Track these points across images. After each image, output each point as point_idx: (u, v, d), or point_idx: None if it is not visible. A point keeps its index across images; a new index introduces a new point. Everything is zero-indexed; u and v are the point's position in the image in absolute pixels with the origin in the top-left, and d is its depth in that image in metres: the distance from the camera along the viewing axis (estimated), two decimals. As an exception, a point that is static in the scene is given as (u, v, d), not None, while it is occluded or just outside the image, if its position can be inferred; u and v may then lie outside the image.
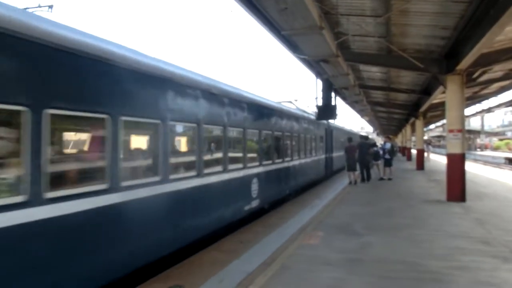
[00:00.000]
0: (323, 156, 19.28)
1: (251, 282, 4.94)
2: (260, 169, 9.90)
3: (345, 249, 6.36)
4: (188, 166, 6.73)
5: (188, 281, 5.32)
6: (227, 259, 6.13)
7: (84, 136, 5.09)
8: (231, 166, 8.17)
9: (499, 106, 24.59)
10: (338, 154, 23.17)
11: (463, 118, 11.55)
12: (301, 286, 4.80)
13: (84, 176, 4.62)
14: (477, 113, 30.69)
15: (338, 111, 14.66)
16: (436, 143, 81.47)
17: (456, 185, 11.08)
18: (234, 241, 7.54)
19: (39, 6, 13.91)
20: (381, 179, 17.49)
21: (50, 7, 13.96)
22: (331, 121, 21.16)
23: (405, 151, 37.47)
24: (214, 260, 6.21)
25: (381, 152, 18.76)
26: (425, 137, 49.46)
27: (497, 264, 5.47)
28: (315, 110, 15.05)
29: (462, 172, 11.11)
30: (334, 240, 6.92)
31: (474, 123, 72.38)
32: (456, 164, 11.13)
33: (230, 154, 8.18)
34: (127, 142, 5.37)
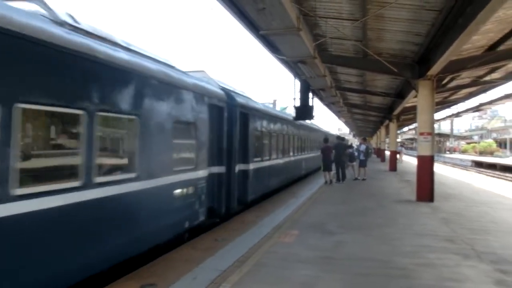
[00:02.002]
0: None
1: (224, 279, 4.99)
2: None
3: (319, 247, 6.50)
4: None
5: (162, 279, 5.30)
6: (202, 256, 6.15)
7: None
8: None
9: (466, 111, 25.58)
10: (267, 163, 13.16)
11: (433, 122, 11.99)
12: (274, 283, 4.89)
13: None
14: (446, 117, 31.82)
15: (315, 112, 14.86)
16: (409, 145, 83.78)
17: (425, 186, 11.50)
18: (209, 239, 7.56)
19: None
20: (356, 179, 17.90)
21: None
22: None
23: (380, 152, 38.36)
24: (189, 258, 6.21)
25: (356, 153, 19.21)
26: (399, 139, 50.85)
27: (459, 261, 5.75)
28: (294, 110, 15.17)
29: (431, 173, 11.53)
30: (308, 239, 7.06)
31: (444, 127, 75.03)
32: (426, 165, 11.55)
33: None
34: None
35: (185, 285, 4.99)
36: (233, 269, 5.40)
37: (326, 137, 19.75)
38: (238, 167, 10.09)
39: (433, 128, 11.88)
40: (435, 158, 12.67)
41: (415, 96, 12.46)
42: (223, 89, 9.73)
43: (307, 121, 21.60)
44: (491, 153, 56.23)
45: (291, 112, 17.73)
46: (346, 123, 47.43)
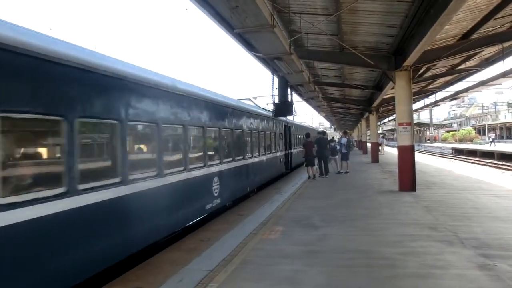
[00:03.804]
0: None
1: (211, 279, 4.95)
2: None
3: (304, 241, 6.53)
4: None
5: (148, 282, 5.23)
6: (188, 258, 6.09)
7: None
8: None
9: (444, 99, 26.08)
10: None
11: (411, 112, 12.18)
12: (260, 279, 4.88)
13: None
14: (425, 106, 32.37)
15: (295, 108, 14.95)
16: (390, 136, 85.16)
17: (407, 175, 11.69)
18: (195, 239, 7.49)
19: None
20: (339, 172, 18.06)
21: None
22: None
23: (361, 145, 38.83)
24: (174, 260, 6.13)
25: (338, 147, 19.35)
26: (380, 131, 51.60)
27: (442, 248, 5.85)
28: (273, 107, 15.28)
29: (412, 163, 11.72)
30: (293, 234, 7.08)
31: (423, 116, 76.50)
32: (407, 155, 11.73)
33: None
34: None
35: (171, 287, 4.94)
36: (219, 268, 5.37)
37: (307, 132, 19.92)
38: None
39: (412, 118, 12.07)
40: (416, 147, 12.89)
41: (393, 88, 12.63)
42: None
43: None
44: (471, 140, 57.70)
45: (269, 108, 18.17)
46: (326, 117, 47.85)
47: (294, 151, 22.89)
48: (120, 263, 5.68)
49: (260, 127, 14.57)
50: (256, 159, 13.63)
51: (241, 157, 11.73)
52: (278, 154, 17.81)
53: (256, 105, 16.92)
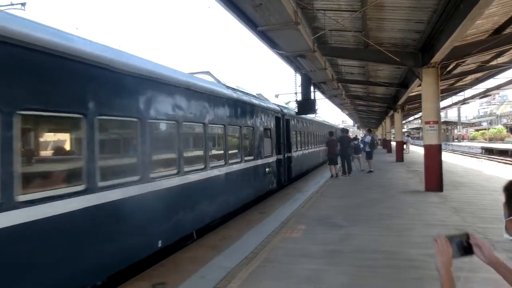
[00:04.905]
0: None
1: (233, 277, 4.97)
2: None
3: (327, 241, 6.46)
4: None
5: (171, 278, 5.32)
6: (209, 255, 6.15)
7: None
8: None
9: (473, 97, 25.23)
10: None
11: (438, 110, 11.84)
12: (282, 278, 4.86)
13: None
14: (453, 104, 31.43)
15: (317, 106, 14.79)
16: (416, 134, 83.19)
17: (434, 175, 11.36)
18: (216, 237, 7.55)
19: (12, 4, 13.48)
20: (362, 171, 17.79)
21: (23, 4, 13.54)
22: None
23: (386, 143, 38.10)
24: (196, 257, 6.21)
25: (361, 145, 19.06)
26: (404, 129, 50.49)
27: (471, 250, 5.65)
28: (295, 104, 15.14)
29: (439, 162, 11.40)
30: (315, 233, 7.02)
31: (451, 115, 74.23)
32: (433, 155, 11.41)
33: None
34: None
35: (194, 284, 5.01)
36: (241, 266, 5.39)
37: (331, 130, 19.68)
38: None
39: (439, 116, 11.74)
40: (443, 146, 12.52)
41: (420, 85, 12.30)
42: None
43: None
44: (502, 139, 55.52)
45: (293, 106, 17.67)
46: (350, 115, 47.20)
47: (296, 154, 16.80)
48: (145, 260, 5.77)
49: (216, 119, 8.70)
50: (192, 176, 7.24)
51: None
52: (261, 161, 11.62)
53: (219, 81, 10.09)
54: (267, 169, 12.23)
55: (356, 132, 57.43)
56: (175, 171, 6.58)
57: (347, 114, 45.75)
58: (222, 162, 8.81)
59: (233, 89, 10.33)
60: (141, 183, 5.54)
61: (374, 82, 18.79)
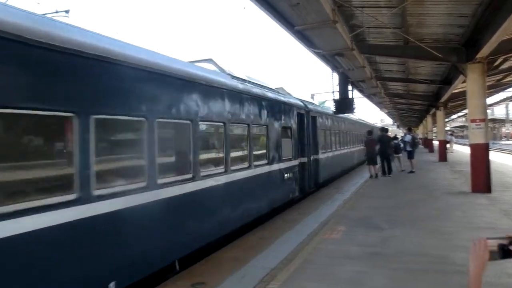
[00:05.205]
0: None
1: (273, 277, 4.99)
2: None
3: (367, 242, 6.33)
4: None
5: (211, 278, 5.41)
6: (248, 255, 6.21)
7: None
8: None
9: (524, 93, 23.76)
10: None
11: (485, 107, 11.27)
12: (323, 280, 4.83)
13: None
14: (500, 101, 29.75)
15: (355, 104, 14.51)
16: (459, 133, 79.60)
17: (481, 175, 10.82)
18: (255, 237, 7.61)
19: (56, 12, 14.24)
20: (402, 171, 17.27)
21: (67, 12, 14.27)
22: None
23: (427, 142, 36.76)
24: (235, 257, 6.28)
25: (401, 144, 18.49)
26: (447, 128, 48.42)
27: (524, 255, 5.35)
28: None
29: (487, 162, 10.85)
30: (356, 234, 6.90)
31: (498, 112, 70.32)
32: (480, 154, 10.87)
33: None
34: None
35: (233, 284, 5.06)
36: (281, 267, 5.40)
37: (369, 129, 19.25)
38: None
39: (486, 113, 11.17)
40: (490, 145, 11.90)
41: (464, 81, 11.77)
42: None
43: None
44: (555, 137, 51.95)
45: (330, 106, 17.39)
46: (389, 113, 45.93)
47: (324, 156, 14.78)
48: (187, 256, 5.92)
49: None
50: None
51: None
52: (276, 166, 9.68)
53: (223, 70, 8.21)
54: (286, 175, 10.21)
55: (395, 131, 55.70)
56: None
57: (386, 113, 44.57)
58: (221, 169, 6.93)
59: (239, 79, 8.41)
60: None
61: (414, 80, 18.19)
